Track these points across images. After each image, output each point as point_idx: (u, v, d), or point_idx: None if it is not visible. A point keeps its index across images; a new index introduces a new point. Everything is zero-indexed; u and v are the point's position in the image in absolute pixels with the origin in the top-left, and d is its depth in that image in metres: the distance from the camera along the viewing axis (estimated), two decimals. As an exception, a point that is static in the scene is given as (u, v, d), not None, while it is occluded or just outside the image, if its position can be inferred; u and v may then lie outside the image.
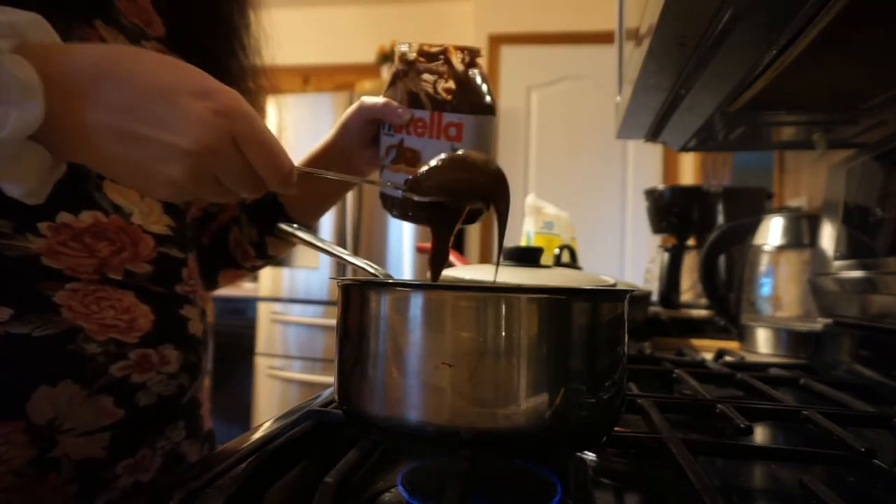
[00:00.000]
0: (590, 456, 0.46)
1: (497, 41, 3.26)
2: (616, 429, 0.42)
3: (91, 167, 0.40)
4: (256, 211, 0.72)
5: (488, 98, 0.54)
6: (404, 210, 0.56)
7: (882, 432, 0.55)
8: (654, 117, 1.00)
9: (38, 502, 0.47)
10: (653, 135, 1.12)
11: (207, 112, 0.37)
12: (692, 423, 0.58)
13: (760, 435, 0.58)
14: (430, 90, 0.54)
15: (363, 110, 0.59)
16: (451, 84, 0.54)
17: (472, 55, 0.55)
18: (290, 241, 0.72)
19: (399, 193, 0.46)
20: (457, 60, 0.54)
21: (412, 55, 0.56)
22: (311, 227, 0.71)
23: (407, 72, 0.56)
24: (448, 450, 0.37)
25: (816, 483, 0.37)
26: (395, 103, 0.56)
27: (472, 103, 0.53)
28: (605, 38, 2.94)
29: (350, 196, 2.65)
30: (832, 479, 0.45)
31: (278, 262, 0.75)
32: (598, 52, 3.04)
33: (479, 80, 0.55)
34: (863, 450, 0.43)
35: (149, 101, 0.36)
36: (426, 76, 0.55)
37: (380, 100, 0.57)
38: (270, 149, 0.40)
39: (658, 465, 0.44)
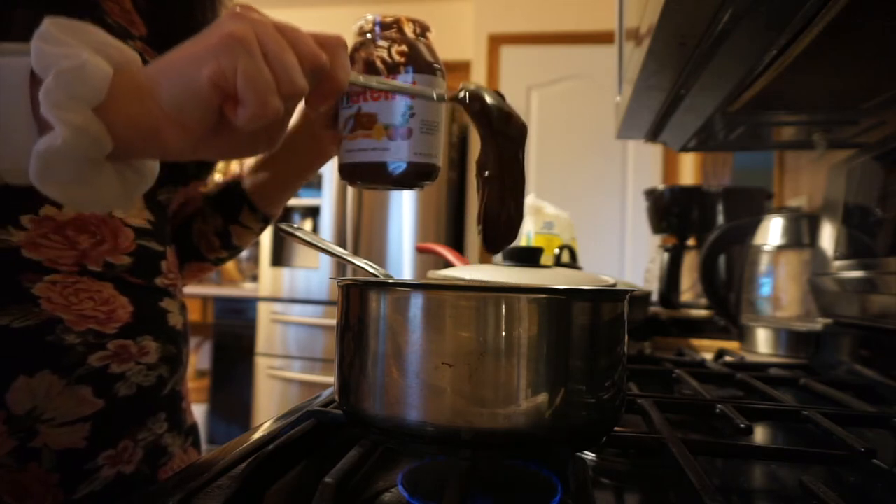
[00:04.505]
0: (590, 456, 0.47)
1: (497, 41, 3.25)
2: (616, 429, 0.42)
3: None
4: (220, 200, 0.73)
5: (438, 65, 0.58)
6: (371, 178, 0.58)
7: (882, 432, 0.55)
8: (654, 117, 1.00)
9: (20, 492, 0.48)
10: (653, 135, 1.12)
11: (226, 18, 0.38)
12: (692, 423, 0.58)
13: (760, 435, 0.58)
14: (385, 55, 0.57)
15: None
16: (404, 47, 0.57)
17: (422, 27, 0.59)
18: (254, 230, 0.73)
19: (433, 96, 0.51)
20: (409, 30, 0.58)
21: (368, 26, 0.59)
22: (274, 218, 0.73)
23: (364, 42, 0.59)
24: (448, 450, 0.37)
25: (816, 483, 0.37)
26: None
27: (425, 63, 0.57)
28: (605, 38, 2.94)
29: (350, 196, 2.65)
30: (832, 479, 0.45)
31: (239, 252, 0.77)
32: (598, 52, 3.04)
33: (429, 47, 0.59)
34: (863, 450, 0.43)
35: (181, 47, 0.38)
36: (381, 43, 0.58)
37: None
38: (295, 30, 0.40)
39: (658, 465, 0.44)
